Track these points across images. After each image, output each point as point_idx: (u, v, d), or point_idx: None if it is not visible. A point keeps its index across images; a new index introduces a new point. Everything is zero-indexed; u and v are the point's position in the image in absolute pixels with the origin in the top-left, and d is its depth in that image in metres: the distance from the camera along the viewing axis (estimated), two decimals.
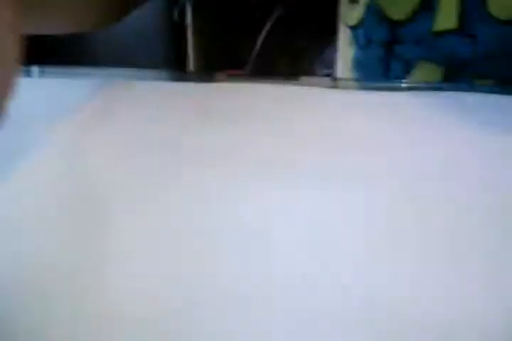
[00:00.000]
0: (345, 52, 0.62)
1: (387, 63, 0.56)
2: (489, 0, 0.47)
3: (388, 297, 0.17)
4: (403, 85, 0.45)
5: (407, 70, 0.55)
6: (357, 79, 0.58)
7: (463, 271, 0.19)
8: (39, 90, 0.42)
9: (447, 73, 0.52)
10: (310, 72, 1.14)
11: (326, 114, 0.35)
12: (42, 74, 0.49)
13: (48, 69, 0.51)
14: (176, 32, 1.55)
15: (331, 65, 0.79)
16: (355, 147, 0.29)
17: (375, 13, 0.56)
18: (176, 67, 1.57)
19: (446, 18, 0.50)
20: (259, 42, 0.99)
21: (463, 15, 0.49)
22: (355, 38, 0.60)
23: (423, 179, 0.26)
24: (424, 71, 0.53)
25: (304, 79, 0.49)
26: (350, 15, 0.60)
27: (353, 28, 0.60)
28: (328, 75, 0.96)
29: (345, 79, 0.59)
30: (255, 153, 0.28)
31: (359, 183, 0.25)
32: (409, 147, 0.29)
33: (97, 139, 0.30)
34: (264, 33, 0.99)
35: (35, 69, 0.50)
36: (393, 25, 0.54)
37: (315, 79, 0.51)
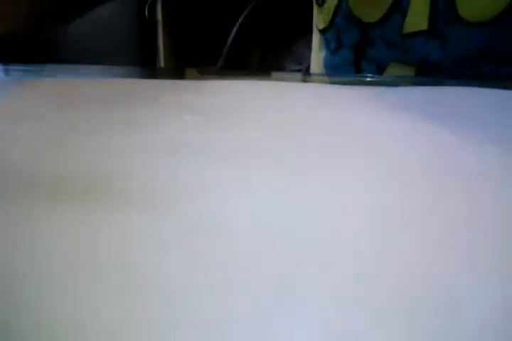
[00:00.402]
0: (316, 54, 0.62)
1: (358, 65, 0.56)
2: (459, 2, 0.48)
3: (394, 275, 0.17)
4: (378, 79, 0.46)
5: (379, 72, 0.55)
6: (329, 75, 0.59)
7: (464, 256, 0.19)
8: None
9: (419, 74, 0.52)
10: (281, 68, 1.14)
11: (304, 107, 0.36)
12: (7, 72, 0.49)
13: (14, 67, 0.50)
14: (147, 28, 1.54)
15: (301, 60, 0.79)
16: (341, 141, 0.30)
17: (345, 16, 0.55)
18: (146, 64, 1.57)
19: (417, 19, 0.50)
20: (230, 38, 0.99)
21: (433, 17, 0.50)
22: (325, 42, 0.60)
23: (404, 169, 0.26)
24: (396, 72, 0.54)
25: (275, 74, 0.49)
26: (318, 18, 0.60)
27: (323, 32, 0.60)
28: (299, 70, 0.96)
29: (318, 74, 0.59)
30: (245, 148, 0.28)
31: (353, 176, 0.25)
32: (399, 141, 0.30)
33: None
34: (235, 30, 0.99)
35: None
36: (364, 27, 0.54)
37: (286, 75, 0.51)
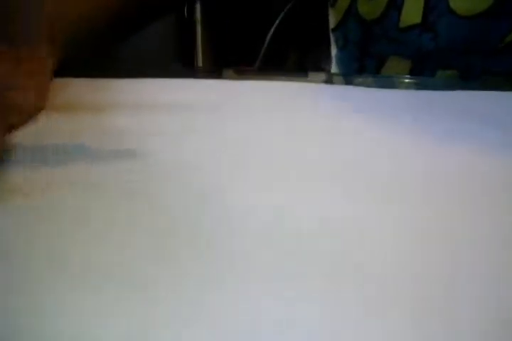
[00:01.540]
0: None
1: (362, 61, 0.60)
2: None
3: (397, 273, 0.17)
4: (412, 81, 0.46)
5: (378, 66, 0.58)
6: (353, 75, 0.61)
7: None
8: None
9: (414, 65, 0.55)
10: (318, 68, 1.14)
11: (328, 110, 0.35)
12: None
13: None
14: (185, 28, 1.55)
15: None
16: (358, 145, 0.29)
17: (352, 16, 0.59)
18: (184, 63, 1.58)
19: (411, 14, 0.54)
20: (268, 38, 0.99)
21: (426, 11, 0.53)
22: (335, 40, 0.64)
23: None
24: (394, 65, 0.57)
25: (312, 74, 0.49)
26: (331, 18, 0.64)
27: (333, 30, 0.64)
28: None
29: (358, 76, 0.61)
30: (259, 149, 0.29)
31: (363, 182, 0.25)
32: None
33: None
34: (273, 29, 0.99)
35: None
36: (366, 25, 0.58)
37: (323, 75, 0.51)
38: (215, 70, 0.50)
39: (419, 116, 0.34)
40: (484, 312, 0.16)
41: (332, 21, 0.64)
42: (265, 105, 0.36)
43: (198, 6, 1.52)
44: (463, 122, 0.33)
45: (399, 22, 0.54)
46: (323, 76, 0.50)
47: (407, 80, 0.47)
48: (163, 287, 0.17)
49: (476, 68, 0.52)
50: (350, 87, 0.42)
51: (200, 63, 1.54)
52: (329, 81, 0.47)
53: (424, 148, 0.29)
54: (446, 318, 0.16)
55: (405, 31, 0.54)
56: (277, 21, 1.01)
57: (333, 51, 0.65)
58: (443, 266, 0.19)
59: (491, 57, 0.52)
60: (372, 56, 0.59)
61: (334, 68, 0.65)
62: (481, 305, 0.16)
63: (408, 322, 0.16)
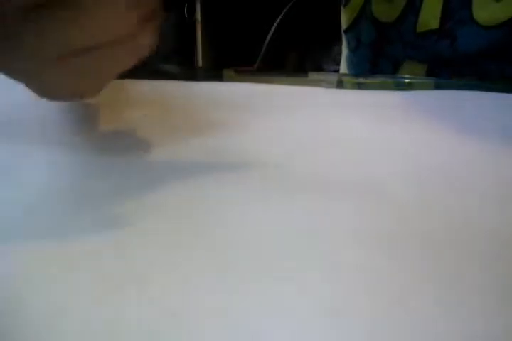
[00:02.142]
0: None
1: (375, 63, 0.59)
2: (475, 7, 0.50)
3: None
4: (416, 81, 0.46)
5: (394, 69, 0.57)
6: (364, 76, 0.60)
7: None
8: None
9: (430, 70, 0.55)
10: (318, 68, 1.14)
11: (326, 114, 0.35)
12: None
13: None
14: (185, 28, 1.55)
15: (339, 60, 0.79)
16: (357, 150, 0.29)
17: (366, 17, 0.58)
18: (184, 64, 1.58)
19: (429, 19, 0.53)
20: (268, 38, 0.99)
21: (445, 17, 0.52)
22: (347, 41, 0.63)
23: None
24: (410, 69, 0.56)
25: (312, 75, 0.49)
26: (343, 19, 0.63)
27: (345, 32, 0.63)
28: (336, 71, 0.96)
29: (352, 75, 0.60)
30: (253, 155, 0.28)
31: (359, 189, 0.25)
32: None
33: None
34: (273, 29, 0.99)
35: None
36: (381, 27, 0.57)
37: (323, 75, 0.51)
38: (215, 70, 0.49)
39: (433, 117, 0.34)
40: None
41: (344, 22, 0.62)
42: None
43: (198, 6, 1.52)
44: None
45: (416, 26, 0.53)
46: (323, 76, 0.50)
47: (421, 81, 0.47)
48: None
49: (493, 75, 0.51)
50: (356, 91, 0.42)
51: (200, 63, 1.54)
52: (340, 82, 0.47)
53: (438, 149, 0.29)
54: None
55: (422, 36, 0.53)
56: (277, 21, 1.01)
57: (344, 53, 0.64)
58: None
59: (508, 66, 0.51)
60: (387, 59, 0.58)
61: (344, 70, 0.64)
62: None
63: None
